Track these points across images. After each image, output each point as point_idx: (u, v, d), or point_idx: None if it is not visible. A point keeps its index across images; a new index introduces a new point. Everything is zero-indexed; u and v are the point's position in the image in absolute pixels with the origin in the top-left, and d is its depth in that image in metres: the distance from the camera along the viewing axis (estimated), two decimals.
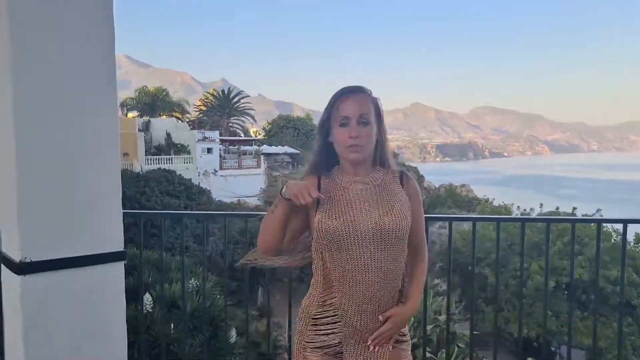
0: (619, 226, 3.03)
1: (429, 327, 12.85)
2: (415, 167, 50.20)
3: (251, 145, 38.84)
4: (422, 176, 48.20)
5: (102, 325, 2.08)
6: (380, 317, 1.65)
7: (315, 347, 1.69)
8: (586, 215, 17.56)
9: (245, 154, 36.23)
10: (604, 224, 3.42)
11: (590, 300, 15.32)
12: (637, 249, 16.27)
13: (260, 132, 48.36)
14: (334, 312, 1.68)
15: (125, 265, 2.07)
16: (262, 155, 34.91)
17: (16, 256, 1.90)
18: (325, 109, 1.73)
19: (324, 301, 1.69)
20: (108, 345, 2.10)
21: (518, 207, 31.16)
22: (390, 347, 1.71)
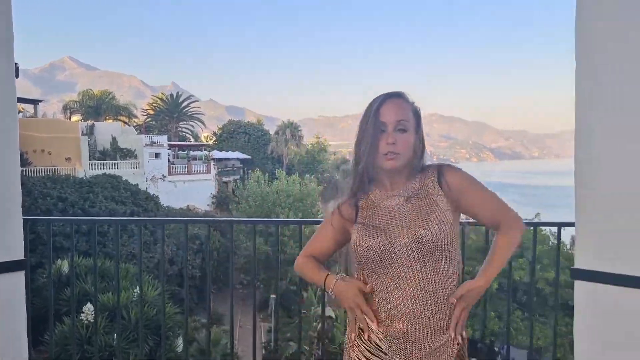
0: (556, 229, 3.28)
1: None
2: None
3: (201, 150, 38.26)
4: None
5: (2, 336, 1.96)
6: (452, 299, 1.55)
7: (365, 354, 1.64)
8: (526, 219, 18.13)
9: (194, 159, 35.66)
10: (543, 228, 3.58)
11: (531, 301, 15.92)
12: (572, 251, 16.98)
13: (211, 137, 47.75)
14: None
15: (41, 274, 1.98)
16: (212, 161, 34.44)
17: None
18: (364, 116, 1.63)
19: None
20: (8, 356, 1.98)
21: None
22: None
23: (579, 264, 1.77)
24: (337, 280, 1.64)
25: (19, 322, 1.99)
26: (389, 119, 1.57)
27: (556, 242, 3.62)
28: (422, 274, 1.54)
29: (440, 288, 1.54)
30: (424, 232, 1.54)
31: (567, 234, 3.23)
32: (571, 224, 2.47)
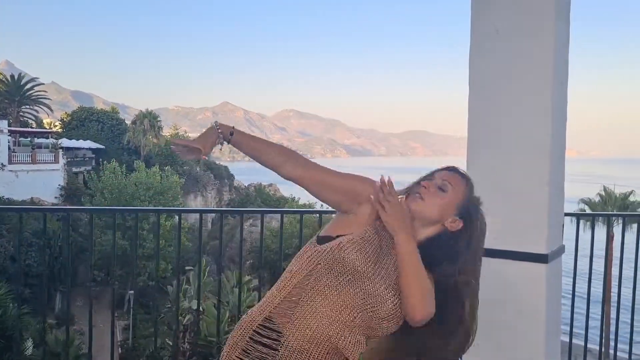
0: None
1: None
2: (226, 167, 50.66)
3: (47, 137, 35.19)
4: (232, 175, 48.91)
5: None
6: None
7: None
8: None
9: (40, 147, 32.73)
10: None
11: None
12: None
13: (56, 124, 44.03)
14: None
15: None
16: (60, 150, 31.90)
17: None
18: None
19: None
20: None
21: (322, 205, 33.57)
22: None
23: None
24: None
25: None
26: (440, 175, 1.59)
27: None
28: (350, 317, 1.47)
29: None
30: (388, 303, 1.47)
31: None
32: None
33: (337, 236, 1.52)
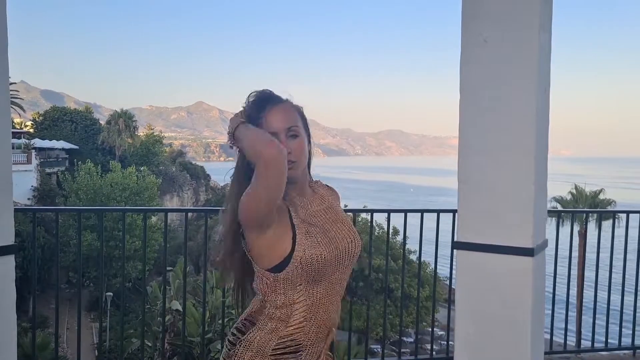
0: (380, 220, 3.95)
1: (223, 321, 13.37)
2: (202, 167, 50.26)
3: (19, 138, 34.45)
4: (208, 175, 48.57)
5: None
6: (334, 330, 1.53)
7: None
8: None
9: (12, 147, 32.01)
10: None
11: (359, 287, 17.76)
12: (394, 239, 19.25)
13: (27, 124, 43.14)
14: (296, 343, 1.45)
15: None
16: (33, 150, 31.27)
17: None
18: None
19: (290, 334, 1.45)
20: None
21: None
22: None
23: (459, 238, 2.53)
24: None
25: (9, 302, 2.14)
26: (279, 126, 1.44)
27: (380, 232, 4.30)
28: (343, 282, 1.52)
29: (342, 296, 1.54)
30: (357, 238, 1.53)
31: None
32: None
33: (285, 259, 1.43)
